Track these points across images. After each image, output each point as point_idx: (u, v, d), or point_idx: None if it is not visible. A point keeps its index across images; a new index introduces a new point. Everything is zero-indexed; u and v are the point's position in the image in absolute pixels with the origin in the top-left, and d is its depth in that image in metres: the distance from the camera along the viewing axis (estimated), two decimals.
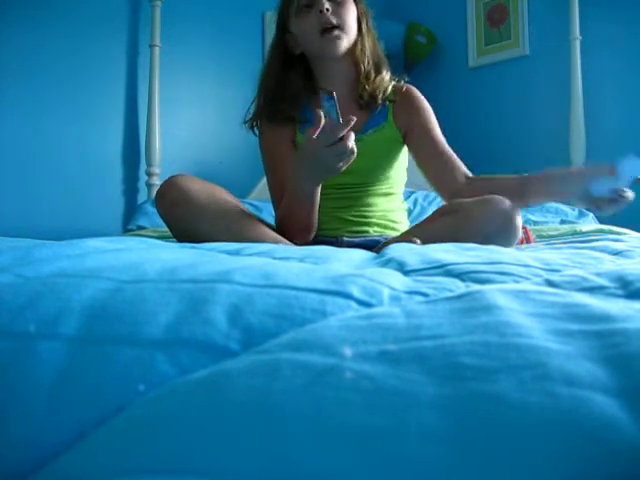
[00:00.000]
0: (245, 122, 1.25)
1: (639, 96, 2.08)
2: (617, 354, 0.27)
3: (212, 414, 0.24)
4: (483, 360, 0.26)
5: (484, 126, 2.52)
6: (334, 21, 1.13)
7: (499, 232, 0.92)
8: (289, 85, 1.19)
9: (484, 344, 0.28)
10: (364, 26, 1.21)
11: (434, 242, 0.80)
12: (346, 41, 1.16)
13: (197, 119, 2.25)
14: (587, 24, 2.14)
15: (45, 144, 1.91)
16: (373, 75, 1.21)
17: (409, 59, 2.64)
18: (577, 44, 2.12)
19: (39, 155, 1.90)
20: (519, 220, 0.94)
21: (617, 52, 2.13)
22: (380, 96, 1.21)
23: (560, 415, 0.22)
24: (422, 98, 1.27)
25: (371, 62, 1.21)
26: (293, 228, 1.10)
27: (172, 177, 1.02)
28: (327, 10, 1.12)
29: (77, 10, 1.98)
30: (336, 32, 1.14)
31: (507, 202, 0.94)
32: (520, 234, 0.96)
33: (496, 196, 0.95)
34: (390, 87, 1.24)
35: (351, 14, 1.17)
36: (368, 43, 1.21)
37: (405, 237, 1.01)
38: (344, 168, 0.97)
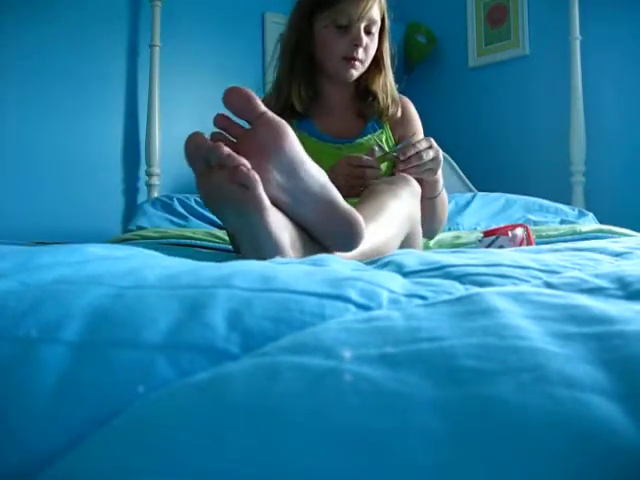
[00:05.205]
0: None
1: (639, 96, 2.08)
2: (617, 357, 0.27)
3: (212, 416, 0.24)
4: (482, 362, 0.26)
5: (484, 126, 2.51)
6: (361, 57, 1.17)
7: None
8: (304, 87, 1.21)
9: (483, 346, 0.28)
10: (388, 62, 1.27)
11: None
12: (359, 72, 1.21)
13: (197, 119, 2.25)
14: (587, 24, 2.14)
15: (45, 144, 1.91)
16: (390, 106, 1.25)
17: (409, 59, 2.64)
18: (577, 44, 2.12)
19: (39, 155, 1.90)
20: None
21: (617, 52, 2.13)
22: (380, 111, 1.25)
23: (560, 418, 0.22)
24: (414, 109, 1.33)
25: (390, 98, 1.25)
26: None
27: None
28: (363, 47, 1.16)
29: (77, 10, 1.98)
30: (356, 64, 1.18)
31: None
32: None
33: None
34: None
35: (373, 51, 1.22)
36: (389, 80, 1.27)
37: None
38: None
